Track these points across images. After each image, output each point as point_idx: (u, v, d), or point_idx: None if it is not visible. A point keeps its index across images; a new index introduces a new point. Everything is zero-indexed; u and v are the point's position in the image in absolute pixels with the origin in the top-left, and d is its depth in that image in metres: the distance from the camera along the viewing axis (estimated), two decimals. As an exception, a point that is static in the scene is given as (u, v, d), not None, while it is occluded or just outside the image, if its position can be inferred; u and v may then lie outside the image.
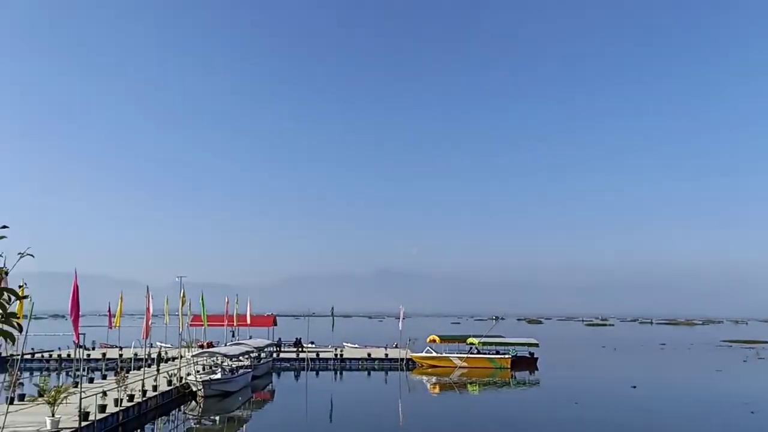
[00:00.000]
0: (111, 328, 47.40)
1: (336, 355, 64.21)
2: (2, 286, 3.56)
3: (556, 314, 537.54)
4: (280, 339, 71.51)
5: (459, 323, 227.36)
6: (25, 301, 24.86)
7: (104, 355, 60.58)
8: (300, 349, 68.86)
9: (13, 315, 3.64)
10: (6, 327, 3.59)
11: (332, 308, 70.10)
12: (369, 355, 64.11)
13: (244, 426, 32.14)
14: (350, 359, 63.40)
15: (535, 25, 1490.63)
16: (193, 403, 37.27)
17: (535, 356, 63.50)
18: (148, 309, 39.30)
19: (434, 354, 62.37)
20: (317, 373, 58.17)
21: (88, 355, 57.87)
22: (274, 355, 63.29)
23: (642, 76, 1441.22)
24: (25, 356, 55.02)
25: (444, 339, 65.30)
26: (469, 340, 63.60)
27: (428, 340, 64.47)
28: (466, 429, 31.65)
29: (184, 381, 39.38)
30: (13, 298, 3.64)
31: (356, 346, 76.13)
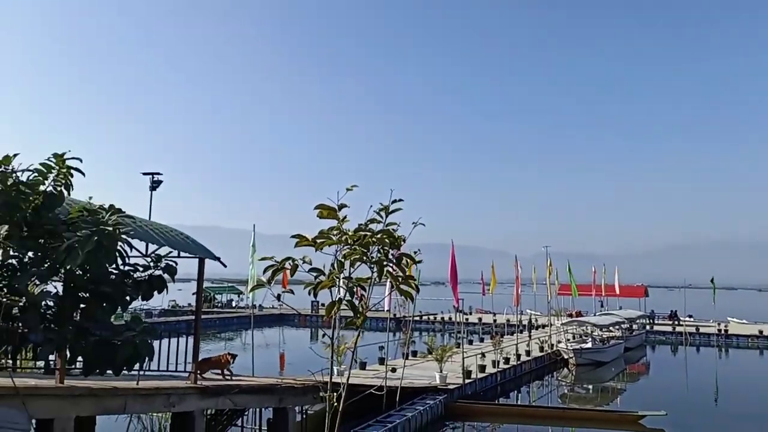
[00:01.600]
0: (484, 294, 50.76)
1: (719, 330, 58.28)
2: (401, 252, 4.10)
3: None
4: (652, 311, 67.82)
5: None
6: (414, 267, 28.21)
7: (480, 319, 65.17)
8: (676, 323, 64.28)
9: (411, 278, 4.17)
10: (406, 287, 4.12)
11: (712, 279, 63.38)
12: (760, 332, 56.64)
13: (619, 397, 31.38)
14: (737, 336, 56.91)
15: None
16: (566, 370, 37.74)
17: None
18: (517, 277, 40.94)
19: None
20: (697, 349, 53.66)
21: (466, 319, 62.89)
22: (647, 327, 60.29)
23: None
24: (415, 318, 62.38)
25: None
26: None
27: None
28: None
29: (555, 348, 40.15)
30: (410, 262, 4.17)
31: (744, 321, 67.94)
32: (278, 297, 4.27)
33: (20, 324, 8.60)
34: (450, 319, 66.15)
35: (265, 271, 4.00)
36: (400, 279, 4.10)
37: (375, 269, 4.02)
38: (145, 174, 44.05)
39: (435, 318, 69.75)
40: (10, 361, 12.15)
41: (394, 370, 22.36)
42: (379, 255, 4.06)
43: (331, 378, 4.33)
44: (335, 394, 4.22)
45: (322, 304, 69.31)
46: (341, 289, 3.97)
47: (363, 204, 4.31)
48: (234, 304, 79.76)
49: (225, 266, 14.93)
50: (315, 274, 3.99)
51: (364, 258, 4.02)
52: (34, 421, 10.58)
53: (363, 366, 28.53)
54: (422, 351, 34.61)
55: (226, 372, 16.10)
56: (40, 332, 8.39)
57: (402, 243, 4.12)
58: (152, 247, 12.79)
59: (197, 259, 14.72)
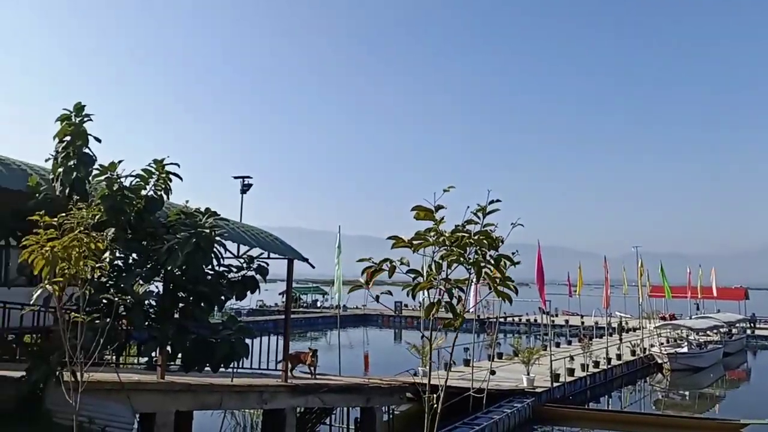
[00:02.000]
0: (571, 296, 49.45)
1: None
2: (499, 253, 4.04)
3: None
4: (753, 314, 64.18)
5: None
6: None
7: (567, 321, 63.47)
8: (780, 327, 60.61)
9: (509, 279, 4.09)
10: (504, 289, 4.05)
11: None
12: None
13: (718, 404, 29.84)
14: None
15: None
16: (659, 375, 36.24)
17: None
18: (606, 279, 39.73)
19: None
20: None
21: (552, 321, 61.40)
22: (748, 331, 57.06)
23: None
24: (499, 319, 61.40)
25: None
26: None
27: None
28: None
29: (648, 352, 38.65)
30: (509, 263, 4.09)
31: None
32: (377, 298, 4.29)
33: (125, 322, 9.07)
34: (536, 320, 64.81)
35: (363, 272, 4.03)
36: (498, 281, 4.04)
37: (473, 270, 3.97)
38: (236, 178, 45.52)
39: (520, 320, 68.53)
40: (114, 357, 12.77)
41: (493, 372, 22.15)
42: (476, 256, 4.01)
43: (429, 379, 4.31)
44: (435, 395, 4.21)
45: (405, 305, 69.38)
46: (439, 291, 3.95)
47: (451, 206, 4.28)
48: (319, 304, 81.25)
49: (313, 267, 15.22)
50: (413, 275, 3.99)
51: (461, 259, 3.98)
52: (137, 415, 11.13)
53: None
54: (508, 353, 34.08)
55: (310, 367, 16.47)
56: (144, 330, 8.84)
57: (500, 244, 4.05)
58: (243, 248, 13.24)
59: (286, 260, 15.09)
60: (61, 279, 5.09)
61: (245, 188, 44.41)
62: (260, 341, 15.93)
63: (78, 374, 5.48)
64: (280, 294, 69.58)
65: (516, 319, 68.97)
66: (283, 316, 16.85)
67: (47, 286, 5.10)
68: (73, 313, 5.15)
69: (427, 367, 21.39)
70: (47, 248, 4.99)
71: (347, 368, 28.60)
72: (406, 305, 69.01)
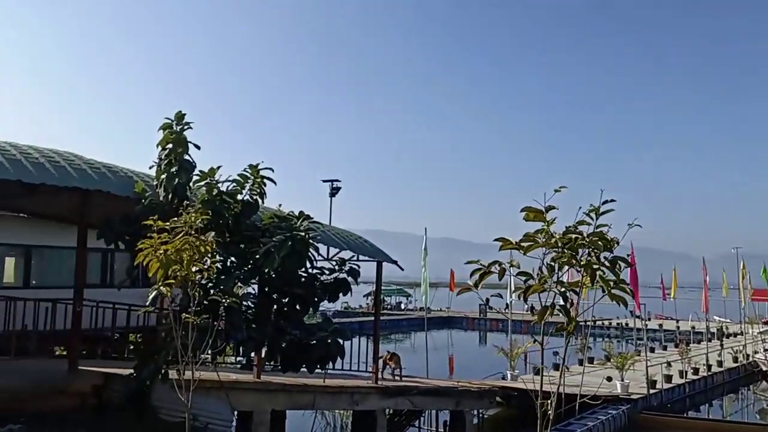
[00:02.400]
0: (665, 299, 47.42)
1: None
2: (614, 255, 3.87)
3: None
4: None
5: None
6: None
7: (660, 326, 60.86)
8: None
9: (624, 282, 3.92)
10: (618, 292, 3.89)
11: None
12: None
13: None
14: None
15: None
16: (764, 383, 34.16)
17: None
18: (705, 282, 38.00)
19: None
20: None
21: (645, 325, 58.94)
22: None
23: None
24: (588, 323, 59.52)
25: None
26: None
27: None
28: None
29: (751, 359, 36.50)
30: (623, 265, 3.92)
31: None
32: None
33: (225, 323, 9.36)
34: (627, 324, 62.46)
35: (472, 274, 3.96)
36: (611, 284, 3.87)
37: (586, 273, 3.82)
38: (324, 181, 46.37)
39: (610, 323, 66.25)
40: (212, 357, 13.22)
41: (609, 379, 21.60)
42: (589, 258, 3.86)
43: (542, 385, 4.20)
44: (548, 401, 4.09)
45: (490, 307, 68.45)
46: (553, 293, 3.83)
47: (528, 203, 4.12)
48: (403, 306, 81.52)
49: (402, 269, 15.24)
50: (524, 278, 3.88)
51: (573, 261, 3.84)
52: (235, 413, 11.46)
53: (537, 372, 27.76)
54: (599, 357, 32.99)
55: (396, 370, 16.51)
56: (243, 331, 9.09)
57: (615, 245, 3.89)
58: (332, 251, 13.41)
59: (374, 262, 15.16)
60: (174, 281, 5.30)
61: (334, 192, 45.08)
62: (351, 343, 16.09)
63: (187, 373, 5.67)
64: (365, 296, 70.21)
65: (606, 322, 66.73)
66: (367, 318, 17.00)
67: (161, 287, 5.31)
68: (184, 314, 5.35)
69: (516, 371, 20.93)
70: (161, 251, 5.21)
71: (432, 371, 28.52)
72: (491, 307, 68.18)
